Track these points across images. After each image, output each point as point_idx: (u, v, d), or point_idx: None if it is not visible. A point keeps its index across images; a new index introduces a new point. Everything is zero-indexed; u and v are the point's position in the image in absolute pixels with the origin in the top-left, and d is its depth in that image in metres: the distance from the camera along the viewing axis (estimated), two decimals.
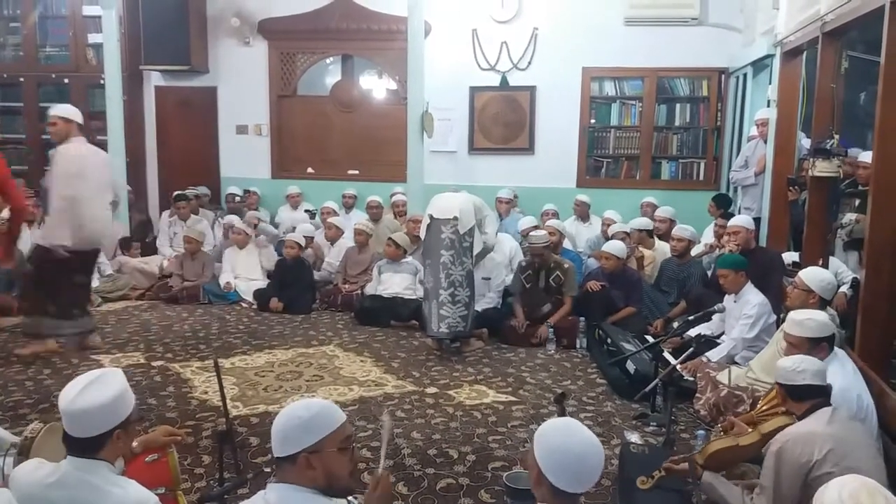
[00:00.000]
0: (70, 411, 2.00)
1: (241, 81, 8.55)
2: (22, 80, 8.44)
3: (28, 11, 8.33)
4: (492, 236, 5.60)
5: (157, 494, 2.10)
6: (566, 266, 5.64)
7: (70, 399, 2.00)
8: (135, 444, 2.54)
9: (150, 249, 7.70)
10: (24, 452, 2.42)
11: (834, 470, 2.29)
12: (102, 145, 7.87)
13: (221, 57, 8.57)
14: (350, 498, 1.96)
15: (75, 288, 5.11)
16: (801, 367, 2.64)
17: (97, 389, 2.02)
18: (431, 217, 5.22)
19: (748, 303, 4.44)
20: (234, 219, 7.42)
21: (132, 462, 2.49)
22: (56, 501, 1.97)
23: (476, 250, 5.31)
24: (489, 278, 5.86)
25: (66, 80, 8.40)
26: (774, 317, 4.46)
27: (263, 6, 8.36)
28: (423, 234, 5.35)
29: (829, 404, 2.63)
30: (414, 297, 6.09)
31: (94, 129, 8.33)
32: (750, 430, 2.89)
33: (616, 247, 5.73)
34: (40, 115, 8.36)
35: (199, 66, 8.36)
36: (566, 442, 1.86)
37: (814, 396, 2.62)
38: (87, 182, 4.92)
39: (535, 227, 6.46)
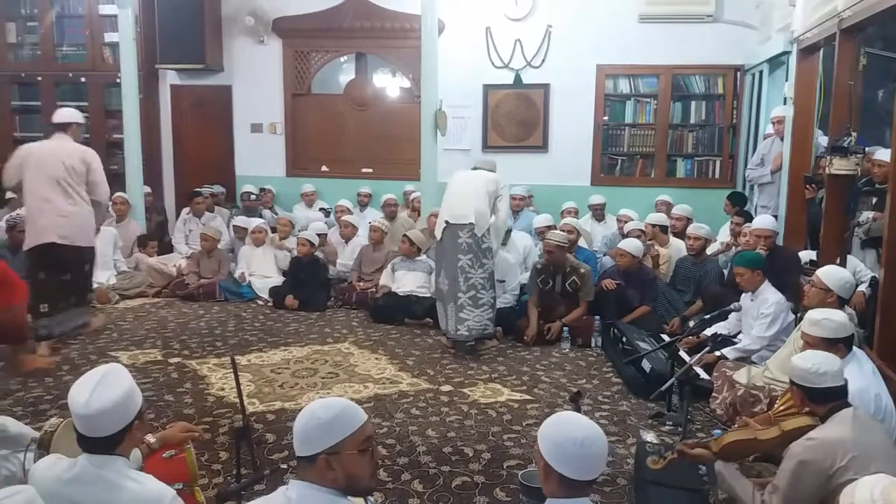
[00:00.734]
0: (87, 414, 1.98)
1: (255, 80, 8.59)
2: (40, 79, 8.52)
3: (45, 11, 8.41)
4: (503, 212, 5.42)
5: (174, 490, 2.12)
6: (583, 271, 5.59)
7: (85, 402, 1.98)
8: (153, 440, 2.56)
9: (165, 249, 7.75)
10: (43, 446, 2.45)
11: (856, 477, 2.26)
12: (118, 144, 8.02)
13: (236, 56, 8.62)
14: (369, 497, 1.96)
15: (61, 284, 5.15)
16: (822, 370, 2.57)
17: (108, 388, 2.02)
18: (447, 222, 5.19)
19: (765, 301, 4.40)
20: (243, 220, 7.47)
21: (150, 458, 2.51)
22: (74, 497, 1.98)
23: (494, 246, 5.30)
24: (503, 280, 5.83)
25: (82, 79, 8.48)
26: (792, 316, 4.43)
27: (278, 5, 8.39)
28: (438, 235, 5.34)
29: (849, 404, 2.60)
30: (428, 295, 6.09)
31: (110, 128, 8.47)
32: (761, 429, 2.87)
33: (632, 245, 5.71)
34: None
35: (214, 64, 8.41)
36: (567, 430, 1.91)
37: (834, 398, 2.58)
38: (30, 175, 5.00)
39: (549, 227, 6.46)
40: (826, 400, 2.58)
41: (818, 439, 2.48)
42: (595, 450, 1.89)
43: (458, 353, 5.24)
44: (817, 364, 2.59)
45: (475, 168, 5.50)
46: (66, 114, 5.33)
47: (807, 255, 5.16)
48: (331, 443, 1.78)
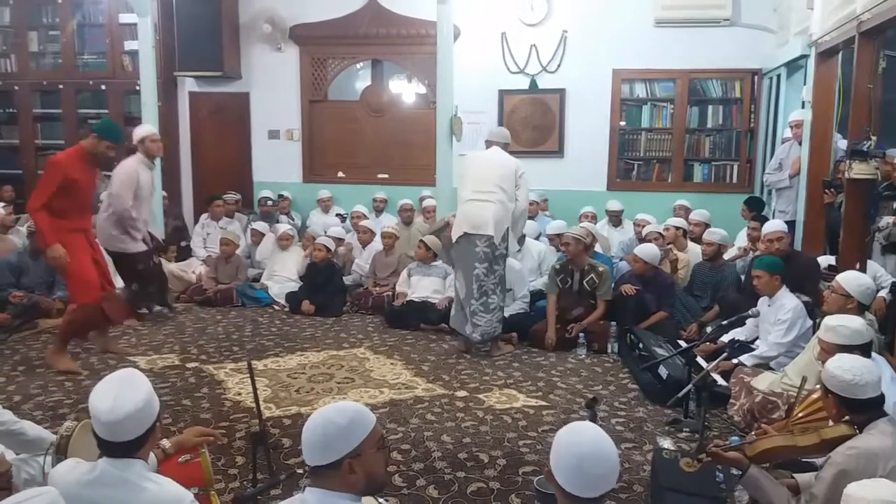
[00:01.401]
0: (114, 420, 1.98)
1: (273, 87, 8.66)
2: (61, 87, 8.64)
3: (67, 20, 8.53)
4: (523, 201, 5.35)
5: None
6: (601, 270, 5.58)
7: (109, 409, 1.98)
8: (168, 444, 2.58)
9: (184, 254, 7.82)
10: (60, 451, 2.47)
11: None
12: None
13: (254, 63, 8.69)
14: (381, 500, 1.97)
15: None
16: (863, 381, 2.48)
17: (131, 393, 2.03)
18: (465, 233, 5.18)
19: (783, 307, 4.35)
20: (261, 225, 7.58)
21: (165, 462, 2.52)
22: (94, 500, 1.99)
23: (514, 239, 5.32)
24: (511, 289, 5.80)
25: (102, 87, 8.58)
26: (810, 322, 4.38)
27: (295, 12, 8.45)
28: (455, 238, 5.35)
29: (886, 413, 2.54)
30: None
31: (129, 135, 8.52)
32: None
33: (648, 252, 5.66)
34: (79, 121, 8.59)
35: (231, 72, 8.49)
36: (573, 442, 1.85)
37: (874, 408, 2.51)
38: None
39: (561, 235, 6.43)
40: (865, 410, 2.52)
41: (860, 449, 2.43)
42: (596, 470, 1.81)
43: (473, 358, 5.24)
44: (858, 375, 2.49)
45: (489, 143, 5.46)
46: (134, 132, 5.89)
47: (826, 261, 5.11)
48: (353, 445, 1.79)
